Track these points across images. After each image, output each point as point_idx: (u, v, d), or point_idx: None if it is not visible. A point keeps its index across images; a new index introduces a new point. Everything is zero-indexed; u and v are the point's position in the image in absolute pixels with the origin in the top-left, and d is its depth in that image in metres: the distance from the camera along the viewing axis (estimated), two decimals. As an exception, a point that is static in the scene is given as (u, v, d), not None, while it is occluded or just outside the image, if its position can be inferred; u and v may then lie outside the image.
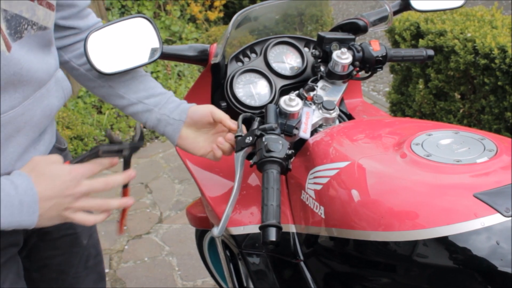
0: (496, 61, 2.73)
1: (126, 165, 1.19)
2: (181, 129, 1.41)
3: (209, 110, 1.39)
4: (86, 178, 1.11)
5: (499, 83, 2.79)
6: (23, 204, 1.03)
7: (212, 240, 2.11)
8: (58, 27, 1.36)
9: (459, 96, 3.19)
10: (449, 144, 1.12)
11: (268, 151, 1.20)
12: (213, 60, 1.51)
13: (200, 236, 2.17)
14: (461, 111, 3.18)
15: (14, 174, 1.07)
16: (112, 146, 1.15)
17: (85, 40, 1.31)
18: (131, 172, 1.19)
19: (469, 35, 2.93)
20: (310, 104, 1.44)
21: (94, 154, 1.13)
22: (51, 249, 1.52)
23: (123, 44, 1.40)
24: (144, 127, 1.15)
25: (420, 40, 3.21)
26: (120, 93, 1.44)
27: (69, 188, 1.09)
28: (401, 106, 3.67)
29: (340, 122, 1.53)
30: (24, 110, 1.16)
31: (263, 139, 1.23)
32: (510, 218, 0.92)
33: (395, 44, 3.48)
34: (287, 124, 1.33)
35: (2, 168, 1.15)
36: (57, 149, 1.45)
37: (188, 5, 6.01)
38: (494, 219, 0.92)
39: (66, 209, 1.10)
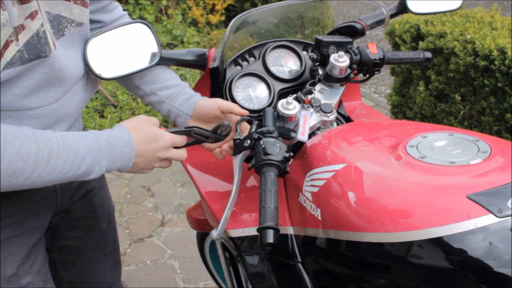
0: (496, 62, 2.74)
1: (194, 144, 1.38)
2: (188, 122, 1.48)
3: (216, 104, 1.44)
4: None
5: (499, 84, 2.80)
6: (123, 154, 1.22)
7: (213, 243, 2.12)
8: None
9: (459, 98, 3.20)
10: (443, 146, 1.13)
11: (266, 154, 1.22)
12: (212, 64, 1.52)
13: (201, 239, 2.18)
14: (461, 112, 3.18)
15: (116, 127, 1.26)
16: (203, 132, 1.35)
17: (85, 45, 1.33)
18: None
19: (468, 36, 2.94)
20: (308, 107, 1.45)
21: (187, 131, 1.33)
22: (71, 229, 1.60)
23: (122, 49, 1.42)
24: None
25: (420, 42, 3.22)
26: (137, 83, 1.52)
27: (160, 152, 1.28)
28: (402, 108, 3.67)
29: (338, 124, 1.54)
30: (64, 103, 1.29)
31: (261, 142, 1.25)
32: (502, 218, 0.93)
33: (396, 46, 3.48)
34: (284, 127, 1.34)
35: None
36: None
37: (190, 9, 6.03)
38: (487, 219, 0.93)
39: (153, 163, 1.29)
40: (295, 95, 1.47)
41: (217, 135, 1.36)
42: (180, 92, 1.50)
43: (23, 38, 1.12)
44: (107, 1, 1.47)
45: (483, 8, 3.34)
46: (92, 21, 1.44)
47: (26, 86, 1.18)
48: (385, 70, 4.75)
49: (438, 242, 0.95)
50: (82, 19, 1.31)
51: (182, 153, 1.33)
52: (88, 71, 1.39)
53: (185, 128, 1.33)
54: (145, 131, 1.26)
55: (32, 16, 1.12)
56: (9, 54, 1.11)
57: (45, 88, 1.22)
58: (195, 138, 1.35)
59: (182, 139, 1.33)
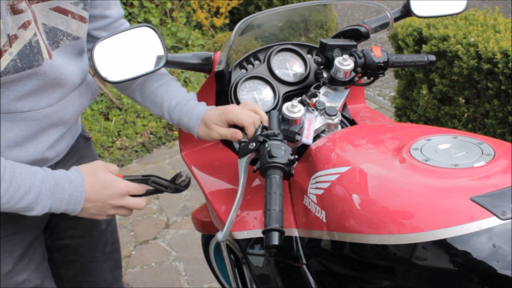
0: (499, 65, 2.74)
1: (154, 193, 1.37)
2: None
3: (224, 118, 1.41)
4: (128, 194, 1.30)
5: (503, 87, 2.80)
6: (71, 197, 1.22)
7: (218, 245, 2.13)
8: (90, 37, 1.45)
9: (463, 101, 3.20)
10: (447, 149, 1.14)
11: (271, 156, 1.23)
12: (217, 67, 1.54)
13: (206, 241, 2.19)
14: (465, 115, 3.19)
15: (72, 170, 1.26)
16: (162, 181, 1.33)
17: (92, 49, 1.34)
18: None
19: (472, 39, 2.95)
20: (313, 110, 1.46)
21: (144, 180, 1.31)
22: (71, 229, 1.63)
23: (129, 53, 1.42)
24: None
25: (424, 45, 3.22)
26: (146, 105, 1.55)
27: (114, 199, 1.27)
28: (406, 111, 3.68)
29: (342, 127, 1.55)
30: (59, 109, 1.31)
31: (266, 145, 1.26)
32: (506, 221, 0.93)
33: (398, 49, 3.49)
34: (289, 130, 1.35)
35: (34, 155, 1.31)
36: (83, 137, 1.60)
37: (194, 11, 6.04)
38: (491, 222, 0.94)
39: (106, 210, 1.29)
40: (300, 98, 1.48)
41: (176, 185, 1.34)
42: (182, 110, 1.49)
43: (16, 48, 1.16)
44: (113, 18, 1.48)
45: (475, 9, 3.34)
46: (97, 39, 1.43)
47: (20, 90, 1.21)
48: (389, 73, 4.76)
49: (442, 244, 0.96)
50: (79, 33, 1.33)
51: (140, 201, 1.32)
52: (86, 79, 1.42)
53: (142, 176, 1.32)
54: (99, 177, 1.26)
55: (24, 26, 1.16)
56: (3, 63, 1.15)
57: (38, 92, 1.25)
58: (153, 187, 1.33)
59: (139, 188, 1.32)
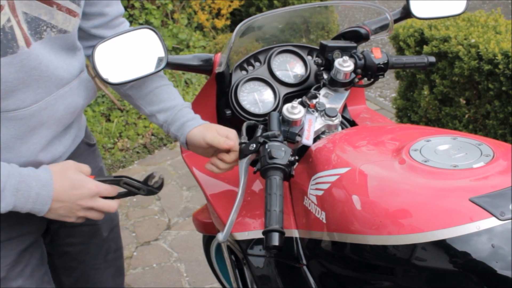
0: (500, 66, 2.75)
1: (127, 195, 1.33)
2: (186, 145, 1.48)
3: (202, 137, 1.41)
4: (100, 196, 1.27)
5: (503, 88, 2.80)
6: (38, 196, 1.18)
7: (219, 246, 2.14)
8: (89, 36, 1.45)
9: (464, 102, 3.20)
10: (446, 150, 1.14)
11: (271, 158, 1.23)
12: (217, 69, 1.54)
13: (207, 242, 2.20)
14: (466, 116, 3.19)
15: (41, 168, 1.22)
16: (134, 182, 1.28)
17: (93, 51, 1.34)
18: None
19: (473, 40, 2.95)
20: (313, 111, 1.47)
21: (116, 181, 1.27)
22: (70, 236, 1.60)
23: (129, 55, 1.43)
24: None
25: (425, 46, 3.22)
26: (138, 104, 1.53)
27: (83, 200, 1.24)
28: (407, 112, 3.68)
29: (342, 128, 1.55)
30: (47, 105, 1.27)
31: (266, 146, 1.26)
32: (505, 221, 0.94)
33: (400, 50, 3.49)
34: (289, 131, 1.35)
35: (26, 157, 1.27)
36: (86, 144, 1.57)
37: (195, 13, 6.05)
38: (490, 222, 0.94)
39: (75, 211, 1.25)
40: (300, 99, 1.48)
41: (149, 186, 1.31)
42: (175, 117, 1.48)
43: None
44: (111, 15, 1.46)
45: (484, 11, 3.35)
46: (97, 37, 1.45)
47: (2, 88, 1.17)
48: (390, 74, 4.77)
49: (441, 245, 0.96)
50: (66, 27, 1.28)
51: (111, 204, 1.29)
52: (81, 77, 1.39)
53: (114, 177, 1.29)
54: (69, 177, 1.23)
55: None
56: None
57: (22, 88, 1.21)
58: (125, 188, 1.30)
59: (111, 189, 1.28)
